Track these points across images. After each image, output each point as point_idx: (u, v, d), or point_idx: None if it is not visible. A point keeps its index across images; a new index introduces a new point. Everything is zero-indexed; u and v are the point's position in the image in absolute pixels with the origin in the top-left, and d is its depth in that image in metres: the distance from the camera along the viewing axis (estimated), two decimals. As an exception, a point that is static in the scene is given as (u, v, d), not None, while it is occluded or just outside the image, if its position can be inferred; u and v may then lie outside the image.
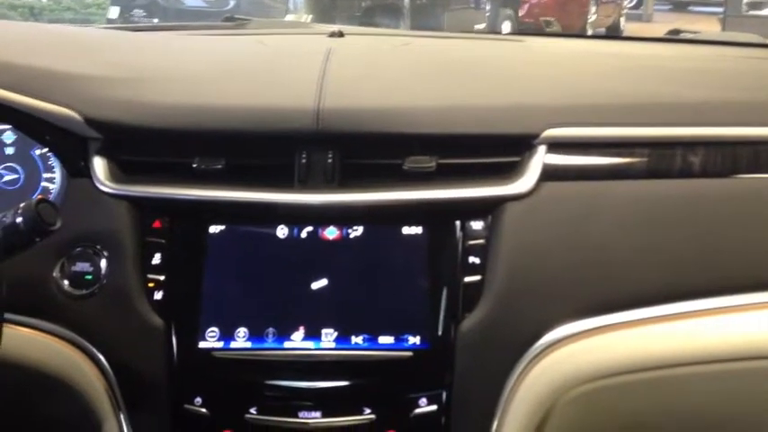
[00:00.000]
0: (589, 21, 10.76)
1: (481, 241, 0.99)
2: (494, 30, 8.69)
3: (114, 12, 8.61)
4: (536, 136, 0.99)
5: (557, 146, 1.00)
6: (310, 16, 7.68)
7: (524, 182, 0.98)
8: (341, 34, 1.46)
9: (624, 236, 0.99)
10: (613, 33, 11.46)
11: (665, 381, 1.00)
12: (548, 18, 9.54)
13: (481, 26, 8.90)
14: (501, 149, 1.00)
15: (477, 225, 0.99)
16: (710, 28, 8.38)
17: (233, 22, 1.86)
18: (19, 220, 0.83)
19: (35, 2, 9.26)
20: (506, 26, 9.29)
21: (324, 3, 8.35)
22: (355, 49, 1.37)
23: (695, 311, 1.00)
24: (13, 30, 1.43)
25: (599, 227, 0.99)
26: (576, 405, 0.99)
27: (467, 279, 0.98)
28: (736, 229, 1.02)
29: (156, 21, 7.78)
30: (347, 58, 1.19)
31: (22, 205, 0.83)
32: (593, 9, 10.88)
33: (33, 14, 9.27)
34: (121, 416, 0.97)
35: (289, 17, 7.59)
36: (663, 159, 1.02)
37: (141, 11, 8.45)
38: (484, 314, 0.96)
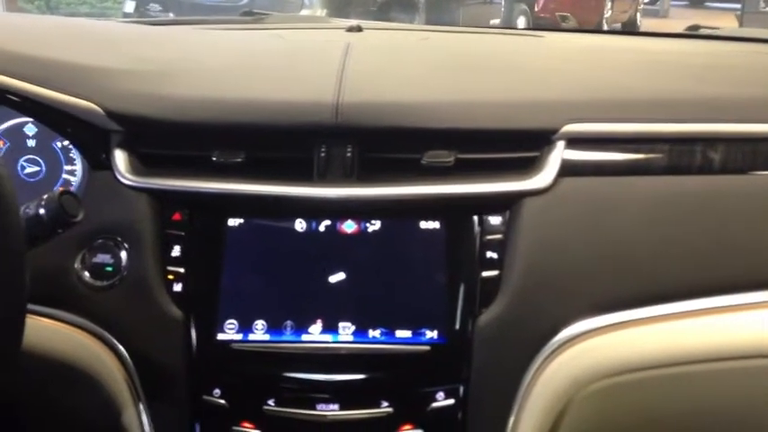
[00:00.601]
0: (605, 16, 10.69)
1: (499, 236, 0.99)
2: (509, 25, 8.65)
3: (130, 6, 8.63)
4: (555, 131, 0.99)
5: (576, 141, 1.00)
6: (325, 11, 7.68)
7: (543, 177, 0.98)
8: (359, 29, 1.46)
9: (643, 232, 0.99)
10: (630, 29, 11.38)
11: (684, 377, 1.00)
12: (563, 13, 9.48)
13: (496, 21, 8.87)
14: (520, 144, 1.00)
15: (495, 220, 0.99)
16: (727, 24, 8.32)
17: (251, 16, 1.87)
18: (42, 211, 0.83)
19: (51, -5, 9.34)
20: (521, 21, 9.24)
21: (339, -2, 8.35)
22: (374, 44, 1.37)
23: (713, 308, 1.00)
24: (33, 23, 1.44)
25: (618, 223, 0.99)
26: (594, 401, 0.99)
27: (484, 274, 0.98)
28: (755, 226, 1.01)
29: (171, 16, 7.79)
30: (366, 53, 1.19)
31: (45, 197, 0.84)
32: (609, 4, 10.79)
33: (50, 8, 9.35)
34: (141, 406, 0.97)
35: (304, 12, 7.59)
36: (682, 155, 1.02)
37: (157, 5, 8.45)
38: (501, 309, 0.96)
